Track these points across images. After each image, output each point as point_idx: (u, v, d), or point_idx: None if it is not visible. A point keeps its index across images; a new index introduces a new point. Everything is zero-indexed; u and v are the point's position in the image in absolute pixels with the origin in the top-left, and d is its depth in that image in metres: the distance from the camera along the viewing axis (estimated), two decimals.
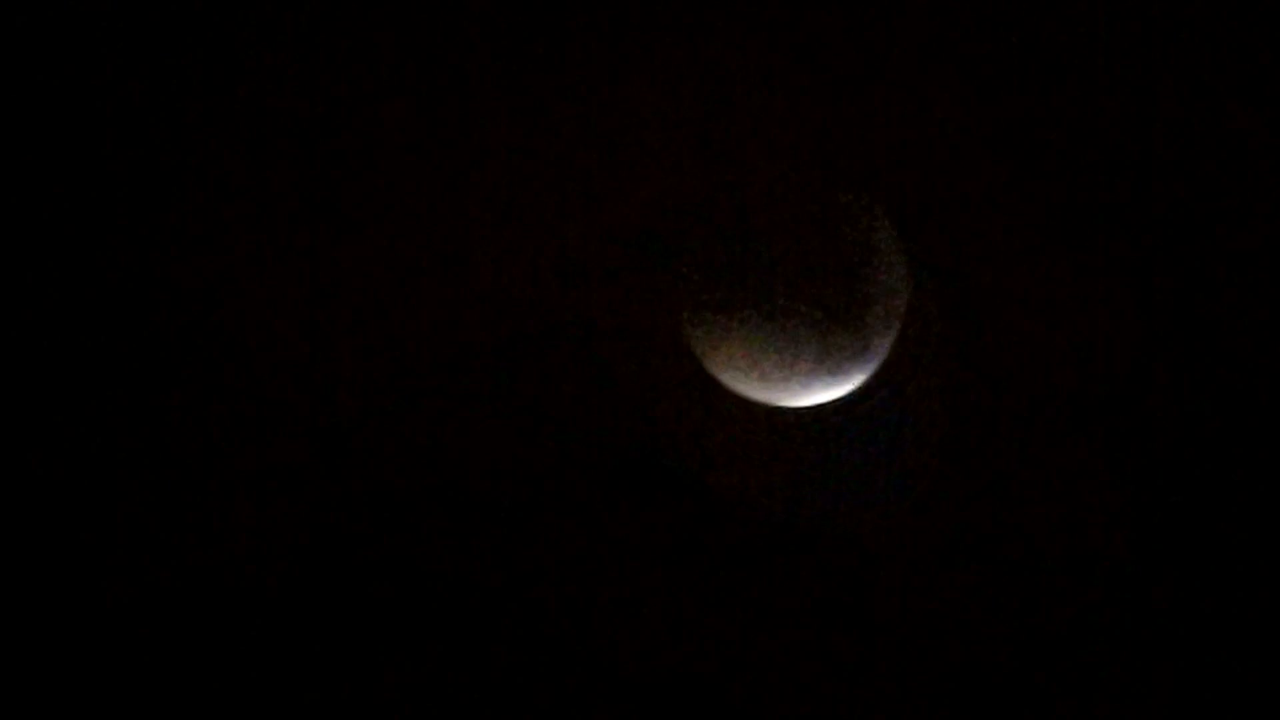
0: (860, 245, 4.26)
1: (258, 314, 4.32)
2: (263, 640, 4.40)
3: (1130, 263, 4.25)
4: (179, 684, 4.41)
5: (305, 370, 4.34)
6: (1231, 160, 4.20)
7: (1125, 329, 4.27)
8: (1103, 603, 4.35)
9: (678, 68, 4.24)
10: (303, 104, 4.26)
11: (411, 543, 4.38)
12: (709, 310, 4.28)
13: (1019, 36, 4.20)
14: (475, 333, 4.34)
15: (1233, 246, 4.23)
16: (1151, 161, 4.21)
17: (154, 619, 4.38)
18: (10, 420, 4.33)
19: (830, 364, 4.23)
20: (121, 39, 4.23)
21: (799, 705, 4.41)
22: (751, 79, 4.23)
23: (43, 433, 4.34)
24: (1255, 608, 4.32)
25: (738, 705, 4.41)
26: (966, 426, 4.34)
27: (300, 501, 4.37)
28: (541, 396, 4.35)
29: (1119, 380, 4.29)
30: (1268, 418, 4.27)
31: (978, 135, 4.23)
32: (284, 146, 4.28)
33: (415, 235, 4.31)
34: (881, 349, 4.26)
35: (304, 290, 4.32)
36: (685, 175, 4.30)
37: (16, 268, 4.29)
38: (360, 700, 4.41)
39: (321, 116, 4.27)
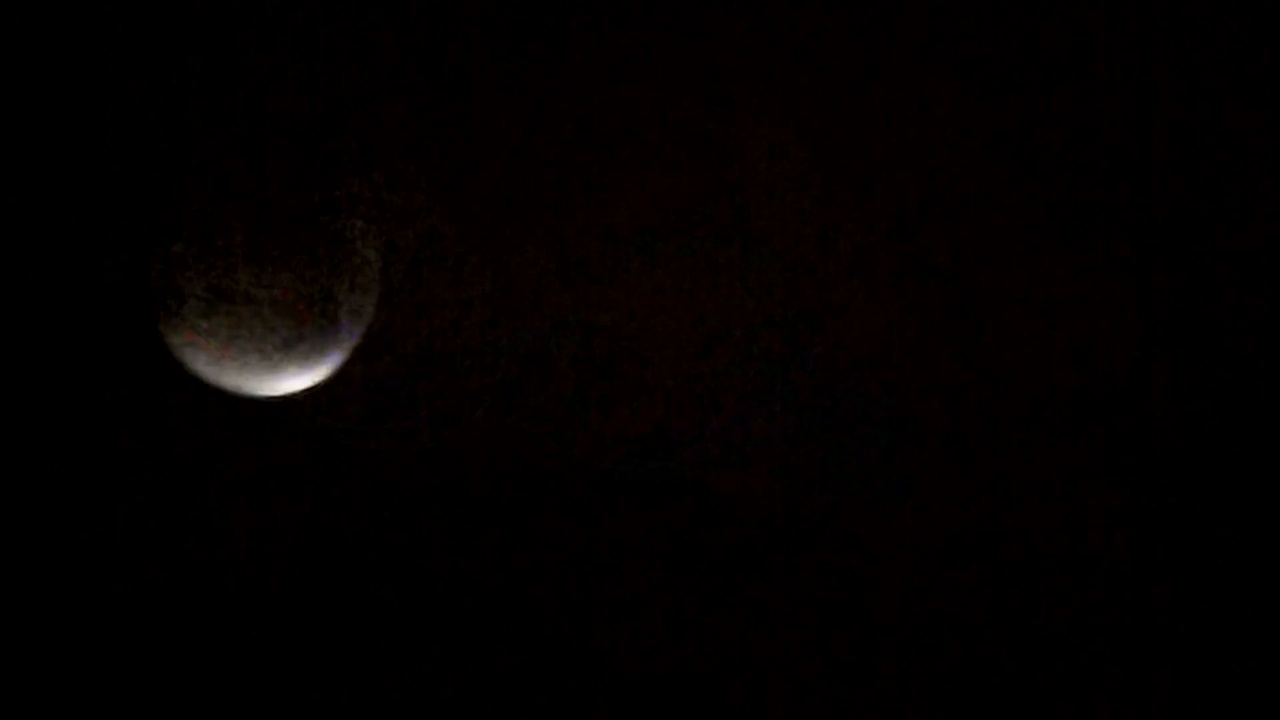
0: (334, 232, 4.20)
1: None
2: (263, 640, 4.40)
3: (1130, 263, 4.25)
4: (179, 684, 4.40)
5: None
6: (1231, 160, 4.20)
7: (1125, 329, 4.27)
8: (1103, 603, 4.34)
9: (678, 68, 4.24)
10: (303, 104, 4.26)
11: (411, 543, 4.38)
12: (181, 300, 4.18)
13: (1019, 36, 4.19)
14: (476, 333, 4.33)
15: (1233, 246, 4.23)
16: (1151, 161, 4.21)
17: (154, 619, 4.38)
18: (10, 420, 4.33)
19: (301, 349, 4.14)
20: (122, 39, 4.22)
21: (799, 705, 4.40)
22: (751, 79, 4.23)
23: (43, 433, 4.33)
24: (1255, 608, 4.32)
25: (738, 705, 4.41)
26: (966, 426, 4.34)
27: (300, 501, 4.37)
28: (541, 396, 4.35)
29: (1119, 380, 4.29)
30: (1268, 418, 4.27)
31: (978, 135, 4.23)
32: (284, 146, 4.27)
33: (415, 235, 4.30)
34: (355, 332, 4.18)
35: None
36: (685, 175, 4.29)
37: (17, 268, 4.29)
38: (360, 700, 4.41)
39: (321, 116, 4.27)
